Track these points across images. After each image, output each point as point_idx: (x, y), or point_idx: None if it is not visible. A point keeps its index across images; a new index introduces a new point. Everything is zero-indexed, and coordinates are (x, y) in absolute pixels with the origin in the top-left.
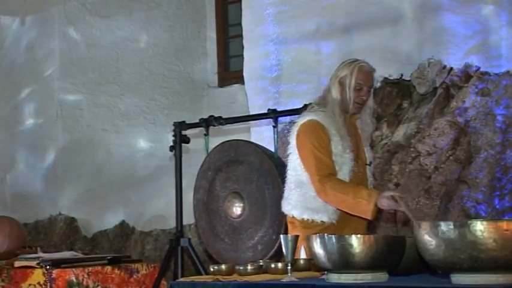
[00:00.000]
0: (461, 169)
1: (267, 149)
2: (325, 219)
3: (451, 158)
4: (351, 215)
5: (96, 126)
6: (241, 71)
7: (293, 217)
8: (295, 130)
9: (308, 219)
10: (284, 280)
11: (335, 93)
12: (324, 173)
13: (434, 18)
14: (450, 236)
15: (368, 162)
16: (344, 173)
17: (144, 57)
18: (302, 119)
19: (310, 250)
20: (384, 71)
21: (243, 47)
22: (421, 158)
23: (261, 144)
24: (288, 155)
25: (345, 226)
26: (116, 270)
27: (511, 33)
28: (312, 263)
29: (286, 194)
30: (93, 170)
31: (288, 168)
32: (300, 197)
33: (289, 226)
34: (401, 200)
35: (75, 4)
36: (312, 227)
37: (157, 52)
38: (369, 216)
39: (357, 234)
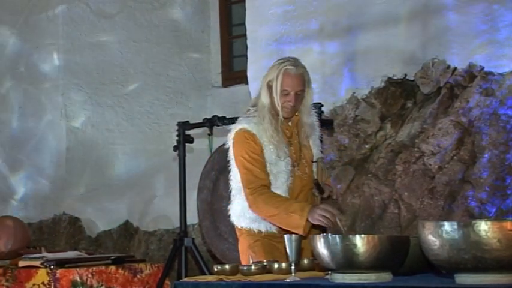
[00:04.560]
0: (465, 169)
1: None
2: (262, 228)
3: (455, 158)
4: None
5: (100, 126)
6: (245, 71)
7: (235, 225)
8: (230, 138)
9: (246, 228)
10: (288, 280)
11: (264, 97)
12: (255, 186)
13: (438, 18)
14: (454, 236)
15: (314, 160)
16: (281, 181)
17: (148, 57)
18: (236, 127)
19: (313, 250)
20: (388, 70)
21: (246, 47)
22: (425, 158)
23: None
24: (229, 161)
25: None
26: (120, 270)
27: None
28: (316, 263)
29: (231, 200)
30: (97, 170)
31: (230, 174)
32: (239, 206)
33: (237, 232)
34: (334, 216)
35: (79, 4)
36: (253, 235)
37: (161, 52)
38: (300, 231)
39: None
